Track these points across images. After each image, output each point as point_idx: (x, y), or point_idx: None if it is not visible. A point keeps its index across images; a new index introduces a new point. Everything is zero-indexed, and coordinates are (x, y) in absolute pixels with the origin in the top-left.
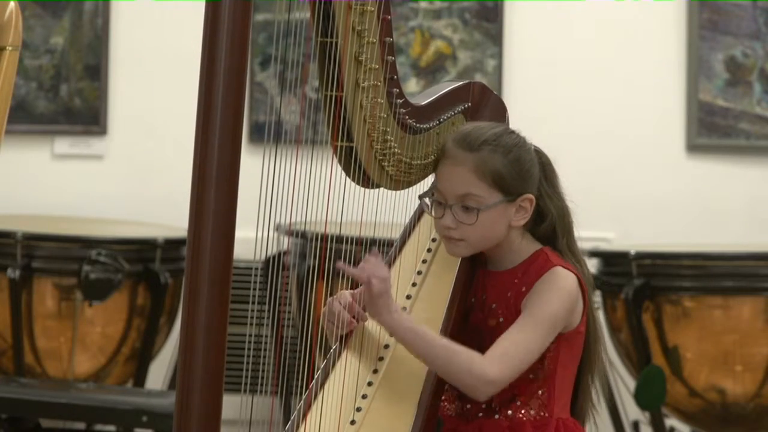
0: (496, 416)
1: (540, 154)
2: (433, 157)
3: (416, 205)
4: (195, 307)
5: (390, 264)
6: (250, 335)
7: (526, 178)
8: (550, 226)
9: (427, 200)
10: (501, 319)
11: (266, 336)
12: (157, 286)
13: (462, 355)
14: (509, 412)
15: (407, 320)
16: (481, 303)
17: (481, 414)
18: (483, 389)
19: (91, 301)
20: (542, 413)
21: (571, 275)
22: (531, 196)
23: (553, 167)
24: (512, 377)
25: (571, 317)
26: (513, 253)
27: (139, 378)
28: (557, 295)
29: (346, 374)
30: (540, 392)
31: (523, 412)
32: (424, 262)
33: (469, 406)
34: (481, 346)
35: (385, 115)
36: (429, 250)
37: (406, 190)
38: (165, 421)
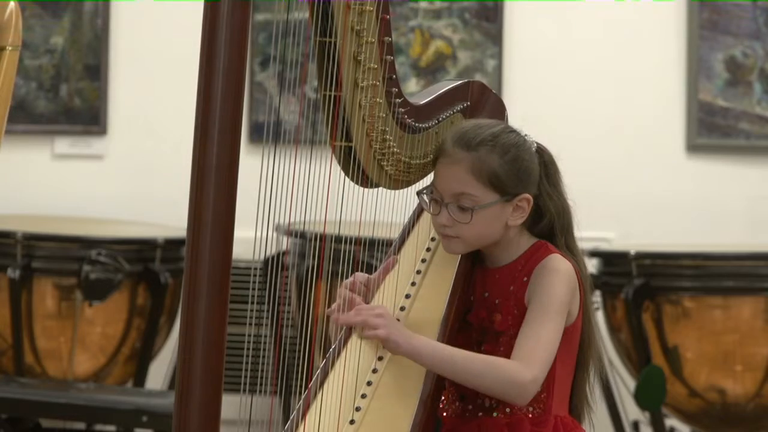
0: (495, 414)
1: (542, 152)
2: (432, 156)
3: (415, 205)
4: (194, 307)
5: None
6: (250, 335)
7: (523, 178)
8: (549, 224)
9: (424, 197)
10: (506, 315)
11: (265, 336)
12: (157, 286)
13: (493, 364)
14: (507, 409)
15: (426, 344)
16: (482, 301)
17: (480, 413)
18: (523, 393)
19: (91, 301)
20: (540, 410)
21: (567, 262)
22: (528, 196)
23: (555, 165)
24: (544, 373)
25: (572, 305)
26: (510, 249)
27: (139, 378)
28: (558, 278)
29: (345, 374)
30: (539, 389)
31: (521, 409)
32: (423, 261)
33: (470, 406)
34: (484, 344)
35: (384, 115)
36: (428, 249)
37: (405, 189)
38: (165, 421)
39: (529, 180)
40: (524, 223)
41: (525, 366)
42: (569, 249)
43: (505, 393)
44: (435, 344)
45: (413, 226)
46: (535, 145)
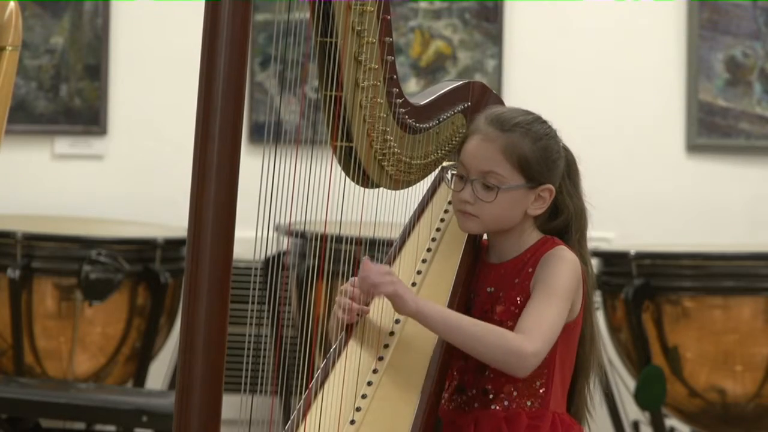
0: (492, 406)
1: (567, 151)
2: (433, 156)
3: (416, 206)
4: (195, 307)
5: (390, 263)
6: (250, 335)
7: (551, 168)
8: (565, 222)
9: (449, 174)
10: (509, 305)
11: (266, 336)
12: (157, 286)
13: (497, 331)
14: (506, 402)
15: (433, 305)
16: (487, 296)
17: (477, 404)
18: (524, 363)
19: (91, 301)
20: (538, 405)
21: (574, 255)
22: (551, 187)
23: (577, 166)
24: (545, 350)
25: (576, 296)
26: (519, 241)
27: (139, 378)
28: (565, 266)
29: (346, 373)
30: (537, 384)
31: (519, 402)
32: (424, 261)
33: (465, 397)
34: None
35: (385, 115)
36: (429, 250)
37: (406, 189)
38: (165, 421)
39: (555, 171)
40: (541, 217)
41: (528, 338)
42: (581, 249)
43: (506, 362)
44: (441, 307)
45: (414, 225)
46: (561, 142)
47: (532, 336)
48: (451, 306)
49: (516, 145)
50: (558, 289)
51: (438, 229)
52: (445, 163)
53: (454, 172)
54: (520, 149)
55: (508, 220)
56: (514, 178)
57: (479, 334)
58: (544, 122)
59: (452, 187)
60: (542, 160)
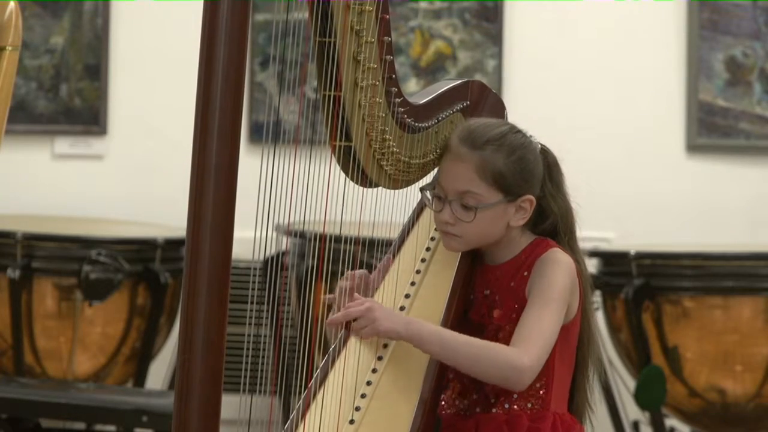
0: (494, 410)
1: (546, 154)
2: (432, 156)
3: (415, 205)
4: (194, 307)
5: (388, 264)
6: (249, 335)
7: (528, 179)
8: (552, 225)
9: (428, 193)
10: (506, 310)
11: (265, 336)
12: (157, 286)
13: (491, 348)
14: (506, 405)
15: (426, 327)
16: (483, 299)
17: (478, 409)
18: (520, 378)
19: (91, 301)
20: (539, 407)
21: (568, 256)
22: (531, 197)
23: (559, 167)
24: (542, 360)
25: (573, 298)
26: (511, 247)
27: (139, 378)
28: (559, 269)
29: (345, 374)
30: (537, 385)
31: (520, 404)
32: (423, 261)
33: (468, 401)
34: (482, 338)
35: (384, 115)
36: (428, 249)
37: (405, 189)
38: (165, 421)
39: (532, 181)
40: (527, 223)
41: (523, 351)
42: (571, 250)
43: (503, 377)
44: (435, 327)
45: (413, 225)
46: (540, 146)
47: (527, 348)
48: (449, 309)
49: (489, 162)
50: (553, 294)
51: (432, 238)
52: (421, 184)
53: (433, 191)
54: (494, 166)
55: (491, 235)
56: (492, 195)
57: (474, 353)
58: (518, 131)
59: (432, 207)
60: (518, 172)
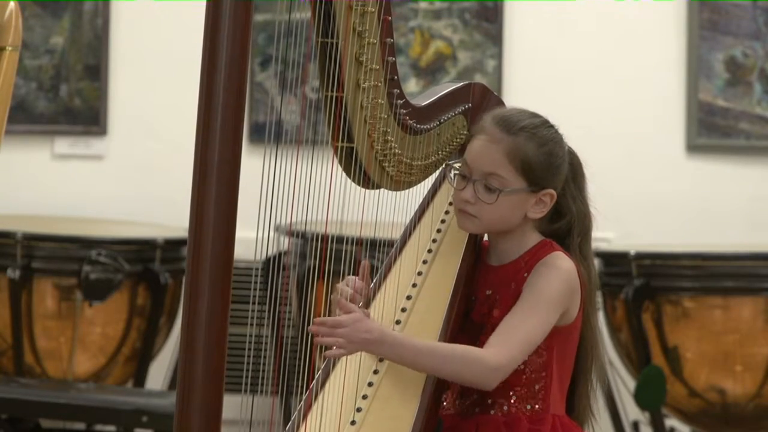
0: (492, 411)
1: (573, 155)
2: (434, 157)
3: (416, 206)
4: (195, 308)
5: (390, 265)
6: (251, 335)
7: (554, 173)
8: (567, 225)
9: (452, 171)
10: (505, 310)
11: (266, 336)
12: (157, 286)
13: (458, 350)
14: (505, 407)
15: (390, 344)
16: (485, 299)
17: (477, 410)
18: (486, 379)
19: (91, 301)
20: (539, 409)
21: (569, 261)
22: (553, 192)
23: (582, 170)
24: (516, 360)
25: (571, 304)
26: (518, 244)
27: (139, 378)
28: (556, 275)
29: (346, 374)
30: (536, 387)
31: (519, 406)
32: (425, 262)
33: (467, 402)
34: (481, 336)
35: (386, 116)
36: (430, 251)
37: (407, 190)
38: (165, 421)
39: (557, 176)
40: (541, 220)
41: (494, 352)
42: (582, 253)
43: (467, 379)
44: (399, 342)
45: (414, 227)
46: (568, 146)
47: (498, 349)
48: (451, 307)
49: (520, 148)
50: (542, 299)
51: (439, 230)
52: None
53: (457, 170)
54: (524, 153)
55: (508, 222)
56: (516, 181)
57: (440, 356)
58: (551, 126)
59: (454, 185)
60: (545, 164)
